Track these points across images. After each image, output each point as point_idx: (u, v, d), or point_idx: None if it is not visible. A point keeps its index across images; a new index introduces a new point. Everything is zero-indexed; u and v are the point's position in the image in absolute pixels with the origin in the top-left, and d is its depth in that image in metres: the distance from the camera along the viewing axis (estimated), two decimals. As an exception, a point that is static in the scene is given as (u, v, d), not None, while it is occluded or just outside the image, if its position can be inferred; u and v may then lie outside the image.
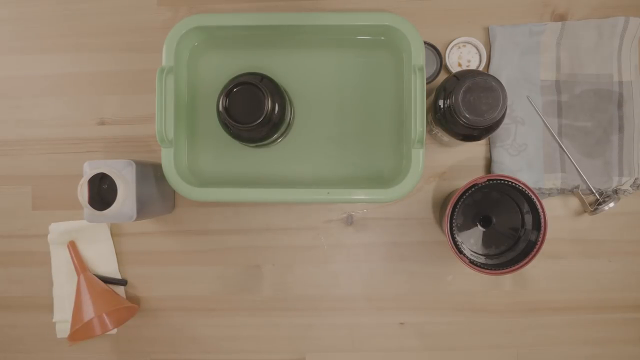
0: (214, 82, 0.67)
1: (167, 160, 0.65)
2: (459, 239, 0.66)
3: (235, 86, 0.60)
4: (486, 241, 0.68)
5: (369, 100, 0.70)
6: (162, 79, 0.63)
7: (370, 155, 0.70)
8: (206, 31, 0.67)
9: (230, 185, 0.67)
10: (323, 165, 0.70)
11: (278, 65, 0.69)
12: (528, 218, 0.66)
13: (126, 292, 0.76)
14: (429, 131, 0.71)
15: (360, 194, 0.64)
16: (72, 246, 0.76)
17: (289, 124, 0.67)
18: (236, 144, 0.68)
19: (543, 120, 0.72)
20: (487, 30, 0.74)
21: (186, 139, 0.68)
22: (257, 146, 0.68)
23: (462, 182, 0.74)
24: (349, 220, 0.75)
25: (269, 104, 0.59)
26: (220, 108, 0.60)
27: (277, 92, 0.63)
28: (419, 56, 0.63)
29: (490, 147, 0.74)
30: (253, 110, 0.59)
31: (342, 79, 0.70)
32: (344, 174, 0.70)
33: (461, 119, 0.59)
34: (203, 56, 0.70)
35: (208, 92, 0.68)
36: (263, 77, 0.62)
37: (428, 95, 0.69)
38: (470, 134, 0.63)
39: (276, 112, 0.61)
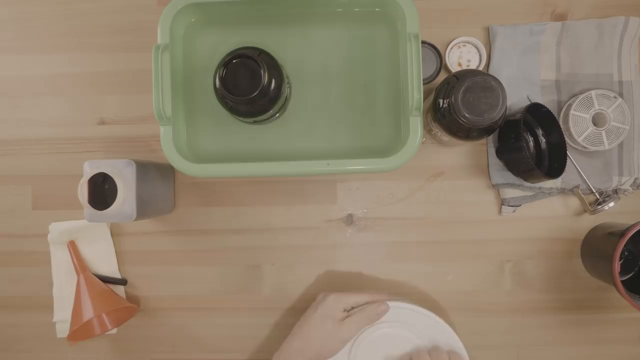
0: (211, 60, 0.66)
1: (166, 138, 0.64)
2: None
3: (233, 58, 0.60)
4: None
5: (366, 74, 0.70)
6: (158, 56, 0.62)
7: (369, 128, 0.69)
8: (201, 8, 0.67)
9: (229, 162, 0.66)
10: (322, 141, 0.70)
11: (274, 42, 0.69)
12: None
13: (126, 292, 0.76)
14: (429, 131, 0.71)
15: (359, 164, 0.63)
16: (72, 246, 0.76)
17: (286, 99, 0.67)
18: (235, 121, 0.68)
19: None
20: (487, 30, 0.74)
21: (184, 117, 0.68)
22: (255, 122, 0.68)
23: (462, 182, 0.75)
24: (349, 220, 0.75)
25: (265, 76, 0.59)
26: (218, 79, 0.60)
27: (275, 67, 0.63)
28: (413, 24, 0.63)
29: (489, 146, 0.74)
30: (250, 82, 0.59)
31: (339, 53, 0.70)
32: (344, 148, 0.69)
33: (461, 119, 0.59)
34: (199, 34, 0.70)
35: (205, 70, 0.68)
36: (261, 52, 0.63)
37: (428, 95, 0.69)
38: (470, 134, 0.63)
39: (273, 86, 0.61)
